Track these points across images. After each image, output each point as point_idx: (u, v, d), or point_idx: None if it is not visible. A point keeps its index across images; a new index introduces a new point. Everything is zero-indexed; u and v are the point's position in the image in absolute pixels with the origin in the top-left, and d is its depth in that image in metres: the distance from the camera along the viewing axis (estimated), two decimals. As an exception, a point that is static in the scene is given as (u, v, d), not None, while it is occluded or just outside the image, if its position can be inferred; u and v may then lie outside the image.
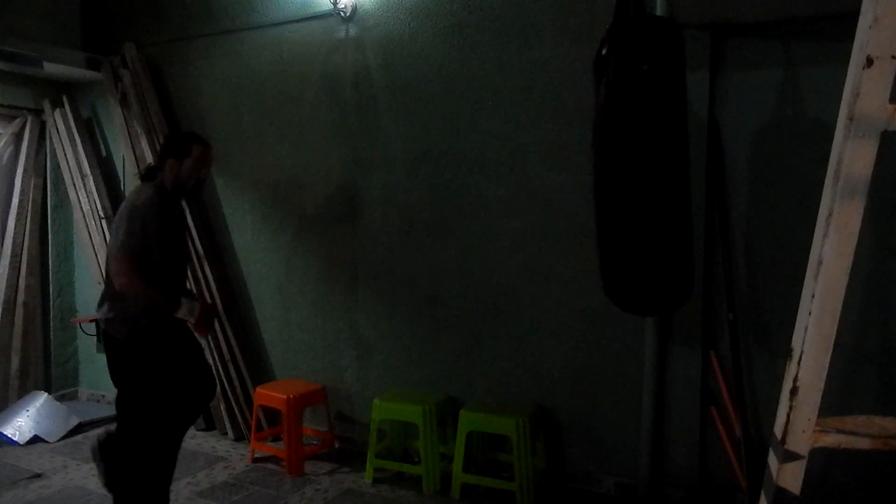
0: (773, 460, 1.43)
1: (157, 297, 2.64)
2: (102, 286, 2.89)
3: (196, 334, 2.84)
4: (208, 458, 3.79)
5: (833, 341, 1.34)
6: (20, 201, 4.58)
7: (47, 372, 4.76)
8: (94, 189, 4.51)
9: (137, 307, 2.67)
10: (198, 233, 4.20)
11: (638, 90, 2.47)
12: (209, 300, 4.11)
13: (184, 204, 4.20)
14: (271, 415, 3.93)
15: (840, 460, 2.68)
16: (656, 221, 2.56)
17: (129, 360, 2.75)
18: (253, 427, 3.78)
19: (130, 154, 4.37)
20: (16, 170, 4.60)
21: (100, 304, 2.78)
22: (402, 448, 3.72)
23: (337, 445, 3.89)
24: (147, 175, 2.86)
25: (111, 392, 4.78)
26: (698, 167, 2.96)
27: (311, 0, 3.85)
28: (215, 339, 4.10)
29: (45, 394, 4.38)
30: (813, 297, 1.34)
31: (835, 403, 2.56)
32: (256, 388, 3.82)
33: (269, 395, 3.69)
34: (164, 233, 2.70)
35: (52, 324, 4.77)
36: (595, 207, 2.69)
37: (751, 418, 2.93)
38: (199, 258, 4.18)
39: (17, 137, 4.64)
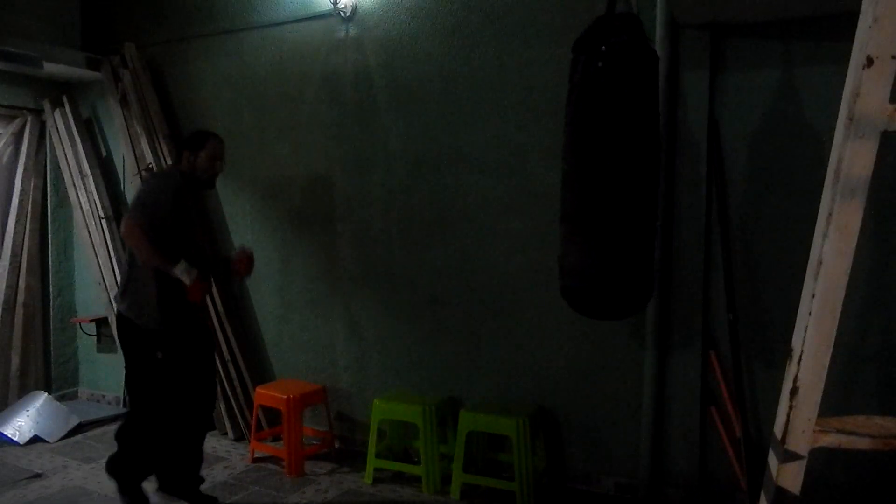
0: (773, 460, 1.42)
1: (156, 253, 2.76)
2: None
3: (188, 298, 2.88)
4: (208, 458, 3.78)
5: (833, 341, 1.34)
6: (20, 201, 4.58)
7: (47, 372, 4.77)
8: (94, 189, 4.52)
9: (151, 294, 2.85)
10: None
11: (593, 88, 2.48)
12: (217, 302, 4.12)
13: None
14: (271, 415, 3.93)
15: (840, 460, 2.68)
16: (610, 221, 2.54)
17: (135, 343, 2.93)
18: (253, 427, 3.78)
19: (130, 154, 4.37)
20: (16, 170, 4.61)
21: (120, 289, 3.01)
22: (402, 448, 3.72)
23: (337, 445, 3.89)
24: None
25: (111, 392, 4.81)
26: (699, 167, 2.96)
27: (311, 0, 3.86)
28: (215, 339, 4.10)
29: (45, 394, 4.38)
30: (813, 297, 1.34)
31: (835, 403, 2.56)
32: (256, 388, 3.83)
33: (269, 395, 3.69)
34: (178, 211, 2.85)
35: (52, 324, 4.78)
36: (562, 199, 2.70)
37: (751, 418, 2.93)
38: (199, 258, 4.18)
39: (17, 137, 4.64)
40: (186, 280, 2.78)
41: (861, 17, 1.31)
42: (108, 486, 3.39)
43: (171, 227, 2.82)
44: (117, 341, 3.02)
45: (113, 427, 4.30)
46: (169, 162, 4.26)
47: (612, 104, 2.48)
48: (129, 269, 2.94)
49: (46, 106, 4.62)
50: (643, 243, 2.61)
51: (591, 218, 2.55)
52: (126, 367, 3.05)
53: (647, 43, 2.58)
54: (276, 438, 3.92)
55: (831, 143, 1.38)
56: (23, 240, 4.59)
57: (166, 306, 2.86)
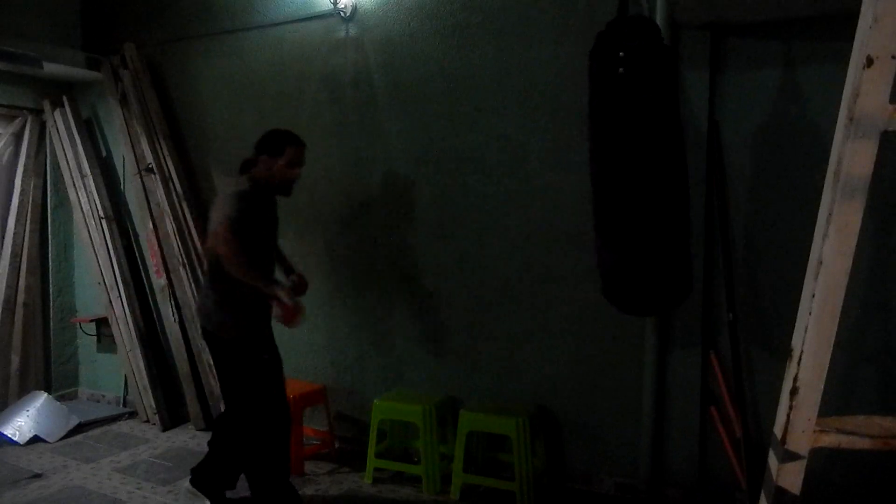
0: (773, 460, 1.43)
1: (254, 273, 2.68)
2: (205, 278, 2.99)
3: (284, 324, 2.77)
4: (208, 458, 3.79)
5: (833, 341, 1.34)
6: (20, 201, 4.58)
7: (47, 372, 4.76)
8: (94, 189, 4.51)
9: (231, 304, 2.77)
10: (197, 232, 4.20)
11: (616, 93, 2.48)
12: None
13: (179, 205, 4.22)
14: (271, 415, 3.92)
15: (840, 460, 2.68)
16: (650, 221, 2.55)
17: (223, 353, 2.87)
18: (253, 427, 3.78)
19: (130, 154, 4.37)
20: (16, 170, 4.60)
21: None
22: (402, 448, 3.72)
23: (337, 445, 3.89)
24: (242, 167, 2.93)
25: (111, 392, 4.81)
26: (698, 167, 2.96)
27: (311, 0, 3.86)
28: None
29: (45, 394, 4.38)
30: (813, 297, 1.34)
31: (835, 403, 2.56)
32: (256, 388, 3.82)
33: (269, 395, 3.69)
34: (256, 224, 2.77)
35: (52, 324, 4.77)
36: (593, 208, 2.70)
37: (751, 418, 2.93)
38: (199, 258, 4.18)
39: (17, 137, 4.64)
40: (288, 302, 2.64)
41: (861, 17, 1.31)
42: (108, 486, 3.40)
43: (253, 243, 2.73)
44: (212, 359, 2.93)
45: (113, 427, 4.32)
46: (169, 162, 4.26)
47: (644, 108, 2.48)
48: (213, 283, 2.80)
49: (46, 106, 4.62)
50: (681, 239, 2.64)
51: (635, 225, 2.55)
52: (224, 379, 2.95)
53: (663, 44, 2.58)
54: (276, 438, 3.92)
55: (831, 142, 1.38)
56: (23, 240, 4.59)
57: (251, 317, 2.81)
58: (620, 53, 2.45)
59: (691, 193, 2.99)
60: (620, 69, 2.45)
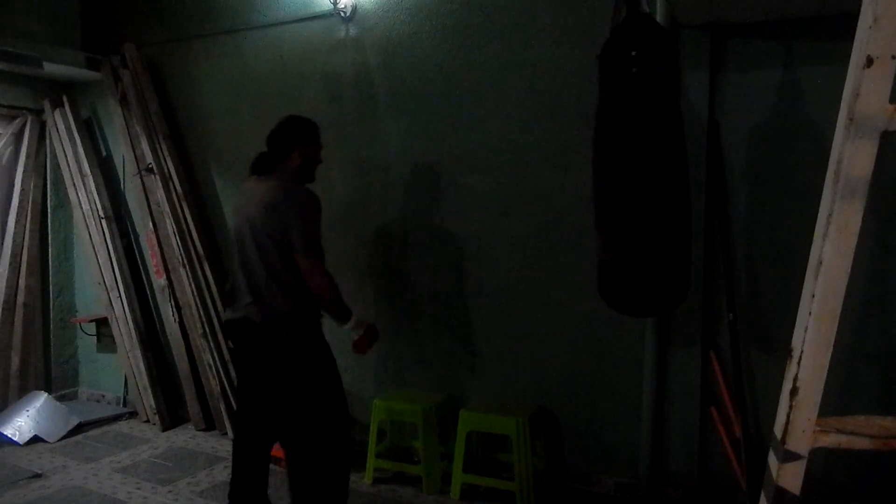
0: (773, 460, 1.43)
1: (341, 299, 2.68)
2: (241, 281, 2.68)
3: (354, 350, 2.80)
4: (208, 458, 3.79)
5: (833, 341, 1.34)
6: (20, 201, 4.58)
7: (47, 372, 4.76)
8: (94, 189, 4.51)
9: (287, 306, 2.62)
10: (197, 232, 4.20)
11: (629, 93, 2.47)
12: (217, 302, 4.12)
13: (179, 205, 4.22)
14: (271, 415, 3.92)
15: (840, 460, 2.68)
16: (658, 221, 2.55)
17: (285, 360, 2.66)
18: (253, 427, 3.78)
19: (130, 154, 4.37)
20: (16, 170, 4.60)
21: (235, 299, 2.68)
22: (402, 448, 3.72)
23: (337, 445, 3.88)
24: (262, 166, 2.74)
25: (111, 392, 4.81)
26: (698, 167, 2.96)
27: (311, 0, 3.86)
28: (215, 339, 4.11)
29: (45, 394, 4.38)
30: (813, 297, 1.34)
31: (835, 403, 2.56)
32: (256, 388, 3.82)
33: (269, 395, 3.69)
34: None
35: (52, 324, 4.77)
36: (595, 208, 2.69)
37: (751, 418, 2.93)
38: (199, 258, 4.18)
39: (17, 137, 4.64)
40: (360, 332, 2.74)
41: (861, 17, 1.31)
42: (108, 486, 3.40)
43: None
44: (271, 362, 2.68)
45: (113, 427, 4.32)
46: (169, 162, 4.26)
47: (655, 107, 2.47)
48: (288, 287, 2.63)
49: (46, 106, 4.62)
50: (684, 240, 2.63)
51: (635, 221, 2.54)
52: (295, 387, 2.68)
53: (673, 43, 2.57)
54: (276, 438, 3.92)
55: (831, 143, 1.38)
56: (23, 240, 4.59)
57: (311, 318, 2.73)
58: (633, 53, 2.44)
59: (691, 193, 2.99)
60: (634, 69, 2.43)
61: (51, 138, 4.68)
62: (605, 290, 2.70)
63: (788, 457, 1.37)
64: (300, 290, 2.64)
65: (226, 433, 4.12)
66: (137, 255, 4.63)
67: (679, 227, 2.62)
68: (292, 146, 2.71)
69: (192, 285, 4.14)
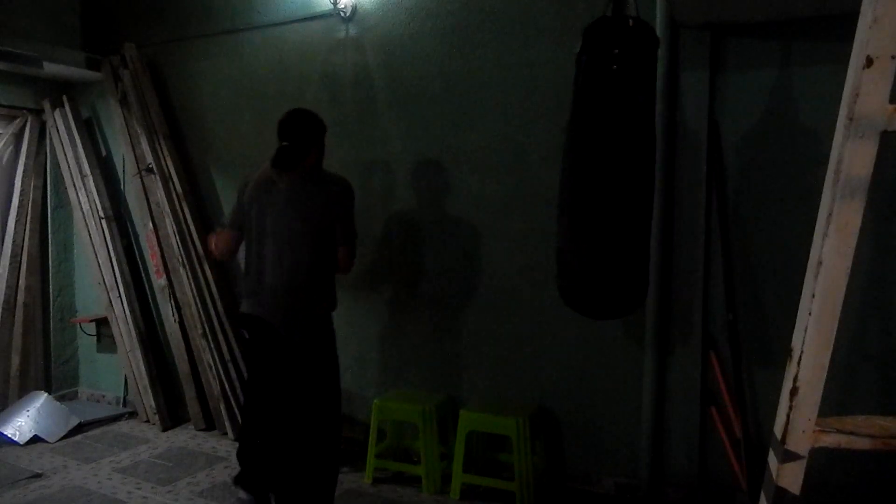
0: (773, 460, 1.43)
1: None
2: (263, 273, 2.77)
3: None
4: (208, 458, 3.79)
5: (833, 341, 1.34)
6: (20, 201, 4.57)
7: (47, 372, 4.76)
8: (94, 189, 4.51)
9: (311, 302, 2.79)
10: (197, 232, 4.20)
11: (605, 90, 2.47)
12: (217, 302, 4.12)
13: (179, 205, 4.22)
14: (271, 415, 3.92)
15: (840, 460, 2.68)
16: (625, 222, 2.53)
17: (327, 331, 2.88)
18: (253, 427, 3.78)
19: (130, 154, 4.37)
20: (16, 170, 4.60)
21: (255, 293, 2.79)
22: (402, 448, 3.72)
23: (337, 445, 3.88)
24: (288, 162, 2.74)
25: (111, 392, 4.81)
26: (698, 167, 2.96)
27: (311, 0, 3.86)
28: (215, 339, 4.10)
29: (45, 394, 4.38)
30: (813, 297, 1.34)
31: (835, 403, 2.56)
32: (256, 388, 3.82)
33: (269, 395, 3.68)
34: None
35: (52, 324, 4.77)
36: (560, 206, 2.68)
37: (751, 418, 2.93)
38: (199, 258, 4.18)
39: (17, 137, 4.64)
40: None
41: (861, 17, 1.31)
42: (108, 486, 3.40)
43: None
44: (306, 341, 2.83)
45: (113, 427, 4.32)
46: (169, 162, 4.26)
47: (624, 105, 2.46)
48: (319, 265, 2.78)
49: (46, 106, 4.62)
50: (639, 242, 2.60)
51: (588, 215, 2.54)
52: (321, 361, 2.86)
53: (656, 44, 2.57)
54: (276, 438, 3.91)
55: (831, 143, 1.38)
56: (23, 240, 4.59)
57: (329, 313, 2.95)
58: (616, 50, 2.44)
59: (691, 194, 3.00)
60: (614, 66, 2.44)
61: (51, 138, 4.68)
62: (567, 291, 2.69)
63: (788, 457, 1.37)
64: (327, 284, 2.81)
65: (226, 433, 4.12)
66: (137, 255, 4.63)
67: (644, 228, 2.60)
68: (314, 142, 2.79)
69: (192, 285, 4.14)
